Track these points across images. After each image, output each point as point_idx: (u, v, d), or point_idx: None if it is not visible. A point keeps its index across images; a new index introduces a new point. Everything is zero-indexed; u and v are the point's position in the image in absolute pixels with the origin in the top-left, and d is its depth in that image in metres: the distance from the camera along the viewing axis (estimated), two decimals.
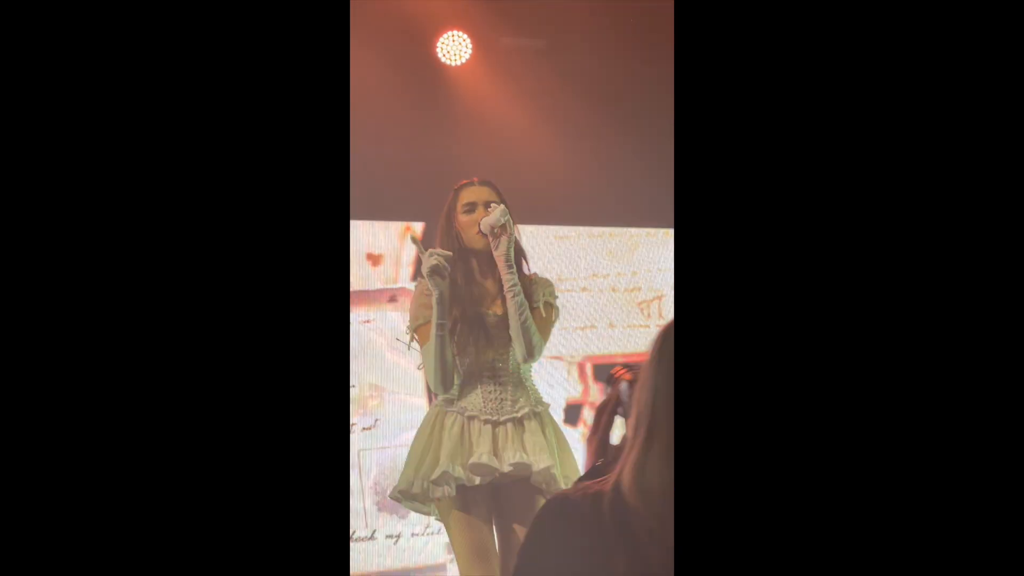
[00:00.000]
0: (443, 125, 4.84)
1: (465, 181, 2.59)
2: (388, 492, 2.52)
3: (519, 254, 2.52)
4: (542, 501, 2.39)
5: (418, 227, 4.77)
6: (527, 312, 2.44)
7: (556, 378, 4.88)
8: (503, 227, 2.42)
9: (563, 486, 2.40)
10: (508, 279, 2.43)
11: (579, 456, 2.59)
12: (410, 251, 4.64)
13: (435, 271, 2.38)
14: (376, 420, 4.50)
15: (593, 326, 4.90)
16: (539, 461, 2.40)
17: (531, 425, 2.46)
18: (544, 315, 2.52)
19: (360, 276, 4.58)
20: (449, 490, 2.38)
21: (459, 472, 2.37)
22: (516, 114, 4.91)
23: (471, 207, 2.52)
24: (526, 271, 2.55)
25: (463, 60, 4.87)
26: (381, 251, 4.67)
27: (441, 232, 2.57)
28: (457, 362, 2.43)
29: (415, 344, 2.54)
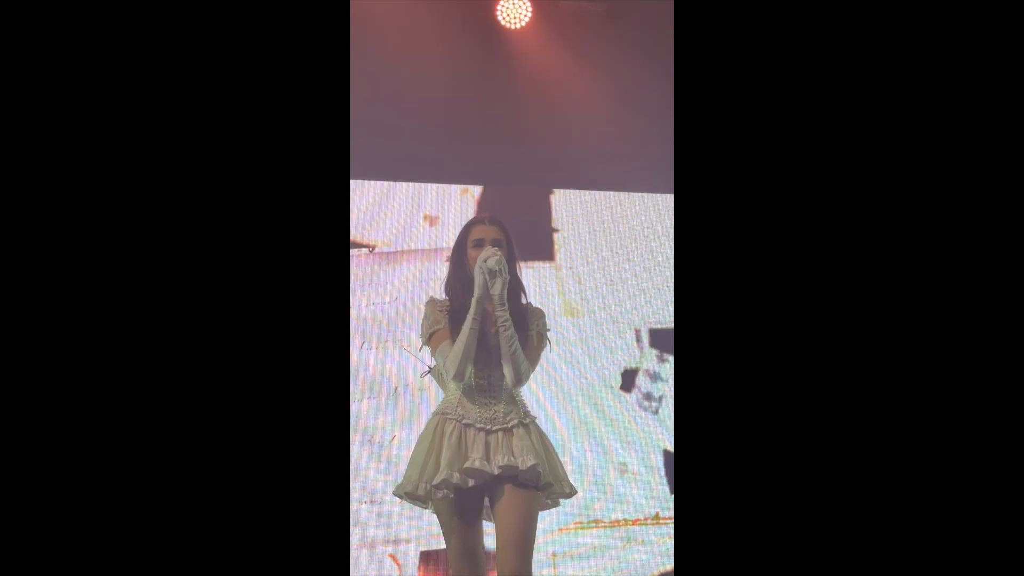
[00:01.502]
0: (503, 88, 4.83)
1: (477, 217, 2.94)
2: (392, 490, 2.82)
3: (517, 287, 2.86)
4: (533, 495, 2.74)
5: (476, 190, 4.78)
6: (516, 343, 2.76)
7: (612, 344, 4.86)
8: (499, 271, 2.72)
9: (550, 481, 2.75)
10: (500, 315, 2.75)
11: (564, 460, 2.95)
12: (468, 212, 4.67)
13: (493, 274, 2.75)
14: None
15: (652, 291, 4.86)
16: (525, 461, 2.71)
17: (519, 432, 2.76)
18: (535, 344, 2.85)
19: (417, 236, 4.61)
20: (448, 493, 2.70)
21: (456, 478, 2.70)
22: (576, 77, 4.88)
23: (479, 243, 2.85)
24: (523, 301, 2.89)
25: (523, 23, 4.85)
26: (438, 212, 4.68)
27: (453, 261, 2.89)
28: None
29: (425, 356, 2.89)
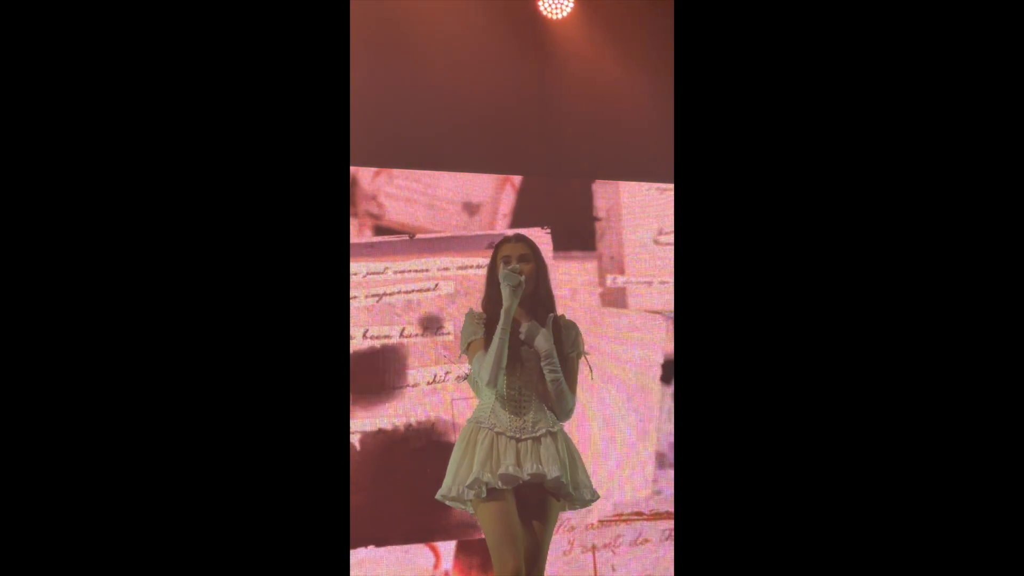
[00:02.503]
0: (545, 78, 4.83)
1: (506, 236, 3.14)
2: (436, 495, 2.99)
3: (548, 302, 3.03)
4: (554, 503, 2.96)
5: (517, 180, 4.78)
6: (562, 383, 2.97)
7: (654, 334, 4.83)
8: (517, 286, 2.89)
9: (571, 491, 2.95)
10: (544, 354, 2.95)
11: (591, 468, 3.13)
12: (507, 201, 4.67)
13: (516, 289, 2.91)
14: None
15: None
16: (551, 471, 2.92)
17: (547, 441, 2.96)
18: (574, 367, 3.05)
19: (458, 224, 4.62)
20: (480, 492, 2.91)
21: (488, 478, 2.90)
22: (618, 68, 4.87)
23: (506, 260, 3.03)
24: (553, 315, 3.03)
25: (565, 13, 4.85)
26: (479, 201, 4.69)
27: (488, 278, 3.09)
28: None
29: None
